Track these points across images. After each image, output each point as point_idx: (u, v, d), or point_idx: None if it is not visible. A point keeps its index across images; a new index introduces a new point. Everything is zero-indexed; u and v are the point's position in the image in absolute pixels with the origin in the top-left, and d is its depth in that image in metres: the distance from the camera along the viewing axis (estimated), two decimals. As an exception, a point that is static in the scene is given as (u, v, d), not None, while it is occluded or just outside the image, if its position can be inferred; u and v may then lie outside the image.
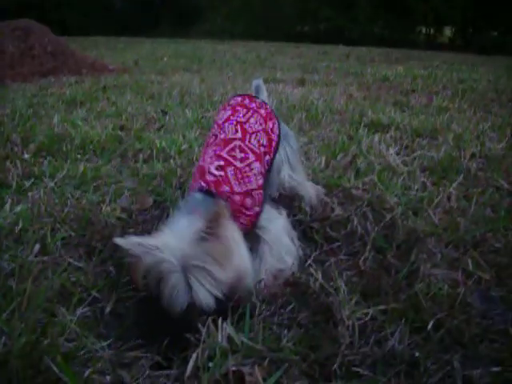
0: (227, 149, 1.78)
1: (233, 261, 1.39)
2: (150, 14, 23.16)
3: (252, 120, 1.90)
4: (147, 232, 2.00)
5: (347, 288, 1.63)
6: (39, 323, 1.44)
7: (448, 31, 25.07)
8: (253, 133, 1.86)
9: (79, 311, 1.53)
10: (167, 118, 4.22)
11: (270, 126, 1.94)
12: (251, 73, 7.82)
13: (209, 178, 1.68)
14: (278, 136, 1.95)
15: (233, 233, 1.46)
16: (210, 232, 1.36)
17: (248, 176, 1.72)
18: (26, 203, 2.30)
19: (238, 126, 1.86)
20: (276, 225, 1.79)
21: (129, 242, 1.37)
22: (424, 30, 24.79)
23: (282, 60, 10.66)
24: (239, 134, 1.83)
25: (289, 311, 1.56)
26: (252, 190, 1.71)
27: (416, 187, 2.51)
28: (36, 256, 1.84)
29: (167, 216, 2.17)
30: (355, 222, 2.11)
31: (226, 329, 1.38)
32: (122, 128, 3.81)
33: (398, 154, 3.15)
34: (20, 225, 2.06)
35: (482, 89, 6.43)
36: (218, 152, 1.77)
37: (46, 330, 1.39)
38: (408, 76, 7.53)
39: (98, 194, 2.47)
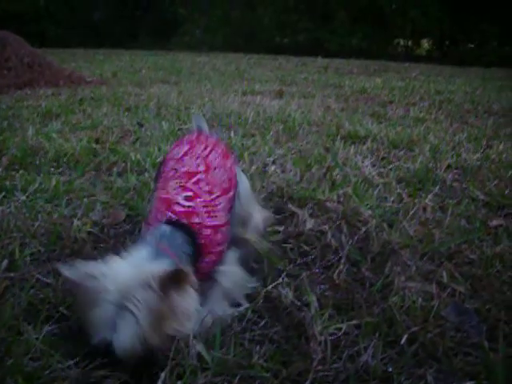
0: (192, 181, 1.68)
1: (168, 328, 1.29)
2: (129, 26, 23.16)
3: (211, 156, 1.82)
4: (118, 247, 1.99)
5: (320, 302, 1.62)
6: (3, 342, 1.40)
7: (425, 43, 25.38)
8: (215, 168, 1.78)
9: (46, 329, 1.48)
10: (143, 130, 4.20)
11: (228, 163, 1.87)
12: (230, 85, 7.84)
13: (177, 208, 1.57)
14: (235, 175, 1.88)
15: (185, 300, 1.33)
16: (162, 287, 1.26)
17: (216, 210, 1.64)
18: (-5, 217, 2.25)
19: (200, 160, 1.78)
20: (232, 269, 1.66)
21: (73, 272, 1.31)
22: (402, 42, 25.05)
23: (260, 72, 10.70)
24: (202, 168, 1.74)
25: (261, 327, 1.54)
26: (220, 225, 1.62)
27: (392, 199, 2.52)
28: (3, 272, 1.80)
29: (139, 230, 2.14)
30: (329, 235, 2.10)
31: (196, 346, 1.36)
32: (97, 141, 3.76)
33: (373, 165, 3.16)
34: (-13, 239, 2.02)
35: (458, 100, 6.52)
36: (183, 183, 1.67)
37: (10, 349, 1.36)
38: (386, 88, 7.60)
39: (70, 207, 2.43)
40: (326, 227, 2.18)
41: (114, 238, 2.14)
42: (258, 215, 2.05)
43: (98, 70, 10.40)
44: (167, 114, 4.97)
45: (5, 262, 1.85)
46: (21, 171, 2.99)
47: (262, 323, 1.56)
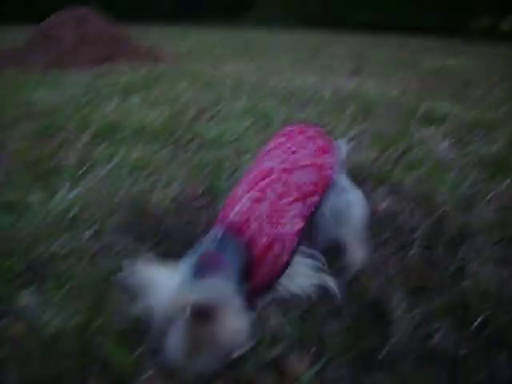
0: (266, 180, 1.53)
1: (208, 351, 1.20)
2: (205, 2, 23.19)
3: (302, 152, 1.64)
4: (195, 220, 2.06)
5: (397, 283, 1.64)
6: (92, 303, 1.50)
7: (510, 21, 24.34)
8: (302, 167, 1.59)
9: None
10: (219, 106, 4.25)
11: (327, 159, 1.65)
12: (306, 61, 7.79)
13: (235, 216, 1.42)
14: (334, 173, 1.65)
15: (223, 327, 1.19)
16: (195, 317, 1.15)
17: (284, 217, 1.47)
18: (81, 188, 2.38)
19: (286, 156, 1.62)
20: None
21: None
22: (484, 20, 24.11)
23: (337, 49, 10.56)
24: (286, 165, 1.58)
25: (337, 303, 1.57)
26: (282, 234, 1.44)
27: (468, 182, 2.47)
28: (89, 240, 1.92)
29: (216, 205, 2.21)
30: (403, 217, 2.11)
31: (273, 317, 1.41)
32: (174, 116, 3.85)
33: (451, 147, 3.10)
34: (74, 210, 2.13)
35: (544, 81, 6.24)
36: (255, 183, 1.53)
37: (98, 310, 1.45)
38: (466, 67, 7.36)
39: (149, 181, 2.53)
40: (401, 208, 2.19)
41: (190, 212, 2.21)
42: (359, 251, 1.77)
43: (174, 46, 10.52)
44: (244, 91, 5.00)
45: (91, 231, 1.96)
46: (103, 144, 3.12)
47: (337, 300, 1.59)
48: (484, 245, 1.89)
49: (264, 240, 1.39)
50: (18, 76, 6.06)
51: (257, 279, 1.39)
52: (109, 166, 2.69)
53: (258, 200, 1.46)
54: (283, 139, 1.71)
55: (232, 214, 1.43)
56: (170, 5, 22.08)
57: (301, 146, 1.66)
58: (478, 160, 2.87)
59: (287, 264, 1.45)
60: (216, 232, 1.40)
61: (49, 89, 5.07)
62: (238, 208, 1.44)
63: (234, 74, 6.07)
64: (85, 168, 2.68)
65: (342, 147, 1.81)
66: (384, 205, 2.22)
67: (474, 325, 1.46)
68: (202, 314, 1.15)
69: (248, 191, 1.49)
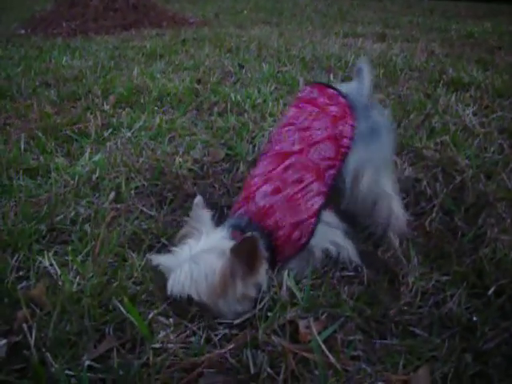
0: (281, 168, 1.54)
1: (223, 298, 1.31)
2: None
3: (316, 124, 1.59)
4: (217, 183, 2.07)
5: (414, 250, 1.62)
6: (110, 266, 1.52)
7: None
8: (314, 143, 1.56)
9: (148, 257, 1.59)
10: (244, 71, 4.22)
11: (341, 128, 1.59)
12: (331, 26, 7.68)
13: (253, 207, 1.50)
14: (351, 138, 1.59)
15: (252, 276, 1.34)
16: (235, 256, 1.30)
17: (299, 204, 1.49)
18: (104, 152, 2.39)
19: (297, 135, 1.59)
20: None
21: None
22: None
23: (363, 14, 10.40)
24: (297, 146, 1.57)
25: (352, 269, 1.57)
26: (302, 221, 1.48)
27: (492, 149, 2.40)
28: (111, 203, 1.93)
29: (237, 170, 2.21)
30: (424, 183, 2.08)
31: (288, 282, 1.41)
32: (198, 81, 3.84)
33: (475, 114, 3.01)
34: (97, 173, 2.16)
35: None
36: (270, 172, 1.55)
37: (116, 273, 1.47)
38: (495, 32, 7.16)
39: (172, 145, 2.53)
40: (422, 175, 2.15)
41: (212, 176, 2.21)
42: (400, 209, 1.76)
43: (200, 10, 10.47)
44: (268, 56, 4.96)
45: (112, 194, 1.98)
46: (127, 109, 3.13)
47: (353, 266, 1.58)
48: (504, 213, 1.85)
49: (283, 231, 1.46)
50: (44, 42, 6.09)
51: (277, 263, 1.50)
52: (132, 130, 2.70)
53: (276, 191, 1.50)
54: (296, 112, 1.67)
55: (253, 206, 1.50)
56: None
57: (314, 117, 1.62)
58: (504, 128, 2.80)
59: (305, 245, 1.50)
60: (241, 217, 1.49)
61: (75, 55, 5.08)
62: (257, 200, 1.50)
63: (259, 39, 6.00)
64: (108, 132, 2.69)
65: (365, 69, 1.78)
66: (405, 170, 2.18)
67: (489, 292, 1.44)
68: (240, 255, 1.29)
69: (265, 182, 1.53)
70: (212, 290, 1.29)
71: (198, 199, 1.51)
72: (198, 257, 1.32)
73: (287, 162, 1.54)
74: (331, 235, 1.56)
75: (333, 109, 1.62)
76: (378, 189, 1.68)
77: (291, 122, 1.64)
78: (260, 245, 1.31)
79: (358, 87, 1.75)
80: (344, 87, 1.72)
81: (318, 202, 1.52)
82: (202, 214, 1.49)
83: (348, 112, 1.61)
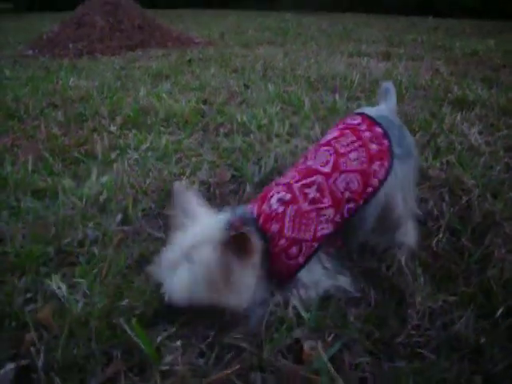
0: (304, 182, 1.53)
1: (218, 292, 1.30)
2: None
3: (353, 155, 1.56)
4: (224, 205, 2.07)
5: (420, 270, 1.62)
6: (118, 288, 1.52)
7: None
8: (344, 172, 1.54)
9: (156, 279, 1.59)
10: (249, 91, 4.24)
11: (375, 168, 1.56)
12: (336, 46, 7.72)
13: (266, 207, 1.51)
14: (381, 182, 1.56)
15: (243, 270, 1.32)
16: (224, 250, 1.28)
17: (308, 224, 1.48)
18: (111, 174, 2.40)
19: (332, 159, 1.56)
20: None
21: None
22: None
23: (367, 32, 10.44)
24: (327, 169, 1.54)
25: (359, 290, 1.57)
26: (304, 240, 1.46)
27: (498, 168, 2.41)
28: (118, 225, 1.94)
29: (243, 191, 2.21)
30: (431, 203, 2.08)
31: (294, 302, 1.41)
32: (205, 102, 3.87)
33: (481, 133, 3.02)
34: (104, 195, 2.17)
35: None
36: (293, 183, 1.55)
37: (123, 294, 1.47)
38: (499, 50, 7.19)
39: (178, 166, 2.54)
40: (428, 195, 2.16)
41: (219, 197, 2.22)
42: (413, 229, 1.78)
43: (205, 30, 10.55)
44: (273, 76, 4.99)
45: (119, 216, 1.99)
46: (133, 130, 3.15)
47: (361, 287, 1.59)
48: (511, 232, 1.85)
49: (283, 242, 1.45)
50: (51, 63, 6.14)
51: (274, 270, 1.48)
52: (139, 152, 2.71)
53: (288, 203, 1.49)
54: (339, 136, 1.63)
55: (266, 207, 1.51)
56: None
57: (354, 148, 1.58)
58: (509, 146, 2.80)
59: (302, 266, 1.48)
60: (248, 212, 1.53)
61: (81, 75, 5.13)
62: (272, 202, 1.51)
63: (265, 59, 6.04)
64: (115, 153, 2.71)
65: (391, 90, 1.82)
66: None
67: (497, 313, 1.43)
68: (230, 248, 1.27)
69: (286, 190, 1.53)
70: (213, 289, 1.28)
71: (177, 185, 1.51)
72: (192, 253, 1.31)
73: (311, 179, 1.53)
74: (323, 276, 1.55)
75: (374, 147, 1.59)
76: (405, 211, 1.69)
77: (331, 144, 1.61)
78: (254, 240, 1.29)
79: (389, 109, 1.78)
80: (377, 110, 1.73)
81: (326, 228, 1.50)
82: (187, 200, 1.49)
83: (387, 155, 1.59)
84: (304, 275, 1.49)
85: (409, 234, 1.75)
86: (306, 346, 1.30)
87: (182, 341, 1.33)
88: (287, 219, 1.47)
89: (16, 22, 14.42)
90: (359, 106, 3.58)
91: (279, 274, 1.49)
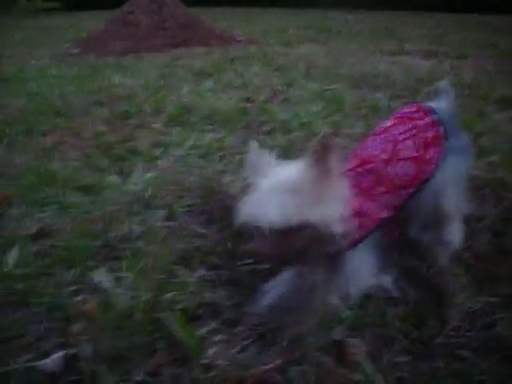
0: (364, 168, 1.55)
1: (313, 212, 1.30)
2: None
3: (409, 142, 1.59)
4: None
5: (462, 271, 1.61)
6: (162, 282, 1.56)
7: None
8: (402, 159, 1.56)
9: (198, 273, 1.62)
10: (291, 90, 4.25)
11: (431, 154, 1.59)
12: (379, 44, 7.66)
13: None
14: (436, 167, 1.59)
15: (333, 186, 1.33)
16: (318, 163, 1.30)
17: (368, 203, 1.50)
18: (155, 171, 2.45)
19: (391, 145, 1.58)
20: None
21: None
22: None
23: (412, 30, 10.30)
24: (386, 155, 1.56)
25: (399, 289, 1.57)
26: (365, 214, 1.48)
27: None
28: (163, 221, 1.98)
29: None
30: (474, 203, 2.06)
31: (334, 300, 1.42)
32: (247, 100, 3.89)
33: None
34: (149, 191, 2.21)
35: None
36: (354, 165, 1.56)
37: (167, 288, 1.51)
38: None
39: (221, 163, 2.57)
40: (471, 194, 2.13)
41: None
42: (458, 232, 1.76)
43: (247, 28, 10.57)
44: (315, 74, 4.98)
45: (164, 213, 2.03)
46: (177, 128, 3.19)
47: (401, 286, 1.58)
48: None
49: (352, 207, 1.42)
50: (97, 61, 6.25)
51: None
52: (182, 149, 2.75)
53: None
54: (395, 123, 1.67)
55: None
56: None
57: (409, 135, 1.61)
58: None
59: (357, 242, 1.47)
60: None
61: (126, 73, 5.21)
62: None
63: (306, 58, 6.04)
64: (159, 151, 2.76)
65: (448, 89, 1.82)
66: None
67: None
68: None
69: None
70: (304, 204, 1.29)
71: (253, 144, 1.48)
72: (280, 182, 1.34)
73: (370, 166, 1.55)
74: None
75: (429, 135, 1.62)
76: (454, 209, 1.70)
77: (388, 131, 1.64)
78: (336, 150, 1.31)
79: (448, 106, 1.78)
80: (436, 106, 1.73)
81: (385, 212, 1.52)
82: (261, 159, 1.47)
83: (441, 142, 1.62)
84: (351, 266, 1.48)
85: (454, 235, 1.74)
86: (346, 343, 1.31)
87: (224, 336, 1.36)
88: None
89: (63, 20, 14.69)
90: (402, 105, 3.55)
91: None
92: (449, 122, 1.68)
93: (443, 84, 1.85)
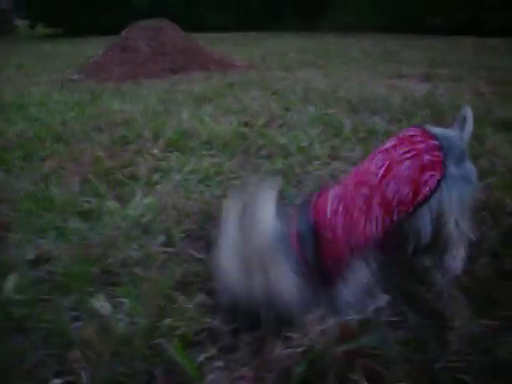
0: (356, 192, 1.57)
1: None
2: (276, 9, 23.22)
3: (406, 164, 1.60)
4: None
5: (461, 294, 1.61)
6: (160, 308, 1.55)
7: None
8: (396, 177, 1.58)
9: (197, 299, 1.62)
10: (290, 114, 4.27)
11: (425, 177, 1.60)
12: (377, 67, 7.71)
13: (320, 216, 1.53)
14: (432, 191, 1.60)
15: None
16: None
17: (359, 219, 1.52)
18: (154, 196, 2.45)
19: (386, 163, 1.60)
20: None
21: None
22: None
23: (408, 53, 10.33)
24: (381, 172, 1.59)
25: (398, 313, 1.56)
26: (353, 233, 1.51)
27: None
28: (161, 246, 1.98)
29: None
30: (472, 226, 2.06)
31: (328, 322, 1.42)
32: (246, 124, 3.91)
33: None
34: (148, 216, 2.21)
35: None
36: (348, 182, 1.61)
37: (165, 314, 1.51)
38: (545, 70, 7.07)
39: (220, 188, 2.58)
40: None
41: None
42: (460, 258, 1.77)
43: (247, 53, 10.63)
44: (314, 98, 5.00)
45: (162, 238, 2.03)
46: (176, 153, 3.20)
47: (400, 309, 1.58)
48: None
49: (330, 233, 1.49)
50: (96, 87, 6.29)
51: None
52: (181, 174, 2.76)
53: (336, 213, 1.52)
54: (395, 144, 1.68)
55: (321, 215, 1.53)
56: (247, 14, 22.20)
57: (408, 157, 1.62)
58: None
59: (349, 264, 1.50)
60: (308, 220, 1.53)
61: (125, 99, 5.24)
62: (321, 214, 1.53)
63: (305, 82, 6.08)
64: (158, 175, 2.77)
65: (469, 117, 1.81)
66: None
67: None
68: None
69: (335, 203, 1.55)
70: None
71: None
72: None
73: (366, 179, 1.59)
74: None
75: (427, 158, 1.62)
76: (457, 234, 1.71)
77: (387, 151, 1.66)
78: None
79: (460, 134, 1.78)
80: (442, 130, 1.75)
81: (375, 227, 1.54)
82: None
83: (439, 167, 1.62)
84: (347, 288, 1.50)
85: (456, 260, 1.74)
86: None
87: (222, 362, 1.35)
88: (339, 208, 1.52)
89: (64, 46, 14.79)
90: (400, 129, 3.57)
91: (326, 268, 1.50)
92: (454, 148, 1.68)
93: (465, 110, 1.84)
